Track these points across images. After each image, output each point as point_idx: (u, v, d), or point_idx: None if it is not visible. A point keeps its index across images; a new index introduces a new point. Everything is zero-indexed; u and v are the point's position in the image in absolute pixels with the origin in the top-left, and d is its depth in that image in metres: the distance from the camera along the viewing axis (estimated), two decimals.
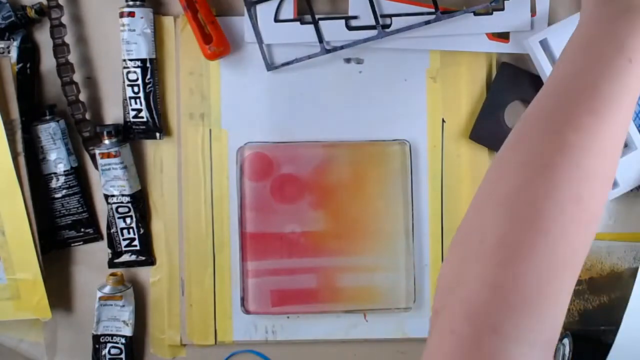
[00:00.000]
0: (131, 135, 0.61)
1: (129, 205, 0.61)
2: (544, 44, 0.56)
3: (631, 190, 0.59)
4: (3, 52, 0.58)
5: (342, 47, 0.59)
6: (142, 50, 0.58)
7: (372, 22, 0.59)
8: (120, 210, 0.61)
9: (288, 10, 0.60)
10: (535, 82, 0.59)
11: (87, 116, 0.61)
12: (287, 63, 0.60)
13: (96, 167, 0.61)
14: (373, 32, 0.59)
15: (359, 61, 0.62)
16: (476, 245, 0.36)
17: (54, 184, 0.61)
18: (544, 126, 0.37)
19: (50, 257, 0.62)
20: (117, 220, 0.62)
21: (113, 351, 0.62)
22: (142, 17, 0.58)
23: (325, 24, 0.59)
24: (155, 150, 0.62)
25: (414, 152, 0.62)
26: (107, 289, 0.62)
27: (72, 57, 0.61)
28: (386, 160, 0.62)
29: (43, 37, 0.61)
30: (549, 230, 0.34)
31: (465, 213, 0.40)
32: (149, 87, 0.59)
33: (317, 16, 0.59)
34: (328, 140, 0.62)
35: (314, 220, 0.62)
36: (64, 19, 0.60)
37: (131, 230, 0.62)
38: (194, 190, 0.62)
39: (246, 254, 0.62)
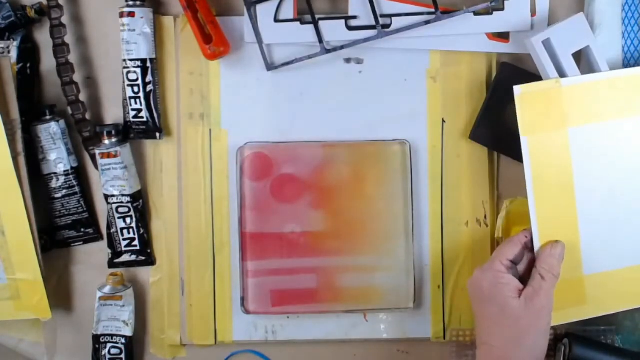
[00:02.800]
0: (131, 135, 0.61)
1: (129, 205, 0.61)
2: (546, 44, 0.56)
3: None
4: (3, 52, 0.58)
5: (342, 47, 0.59)
6: (142, 50, 0.58)
7: (372, 22, 0.59)
8: (120, 210, 0.61)
9: (288, 10, 0.60)
10: (536, 82, 0.59)
11: (87, 116, 0.61)
12: (287, 63, 0.60)
13: (96, 167, 0.61)
14: (373, 32, 0.59)
15: (359, 61, 0.62)
16: None
17: (54, 184, 0.61)
18: None
19: (50, 257, 0.62)
20: (117, 220, 0.62)
21: (113, 351, 0.62)
22: (142, 17, 0.58)
23: (325, 24, 0.59)
24: (155, 150, 0.62)
25: (414, 152, 0.62)
26: (107, 289, 0.62)
27: (72, 57, 0.61)
28: (386, 160, 0.62)
29: (43, 37, 0.61)
30: None
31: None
32: (149, 87, 0.59)
33: (317, 16, 0.59)
34: (328, 140, 0.62)
35: (314, 220, 0.62)
36: (64, 19, 0.60)
37: (131, 230, 0.62)
38: (194, 190, 0.62)
39: (246, 254, 0.62)
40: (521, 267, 0.57)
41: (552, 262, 0.55)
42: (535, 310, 0.53)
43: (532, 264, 0.57)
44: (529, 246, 0.57)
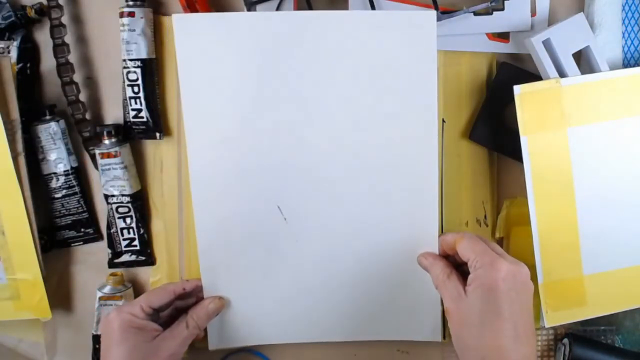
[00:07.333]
0: (131, 135, 0.61)
1: (129, 205, 0.61)
2: (546, 44, 0.56)
3: None
4: (3, 52, 0.58)
5: None
6: (142, 50, 0.58)
7: None
8: (120, 210, 0.61)
9: (288, 10, 0.60)
10: (535, 82, 0.59)
11: (87, 116, 0.62)
12: None
13: (96, 167, 0.61)
14: None
15: None
16: None
17: (54, 184, 0.61)
18: None
19: (50, 257, 0.63)
20: (117, 220, 0.62)
21: None
22: (142, 17, 0.58)
23: None
24: (155, 150, 0.62)
25: None
26: (107, 289, 0.62)
27: (72, 57, 0.61)
28: None
29: (43, 37, 0.61)
30: None
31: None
32: (149, 87, 0.59)
33: None
34: None
35: None
36: (64, 19, 0.60)
37: (131, 230, 0.62)
38: None
39: None
40: (165, 313, 0.58)
41: (203, 316, 0.57)
42: (163, 354, 0.53)
43: (179, 312, 0.58)
44: (179, 295, 0.58)
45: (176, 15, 0.55)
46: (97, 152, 0.60)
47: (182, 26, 0.54)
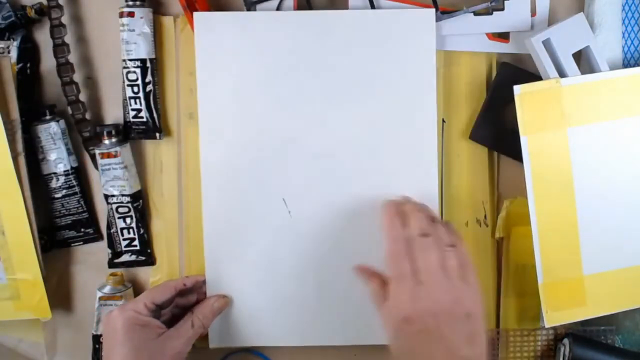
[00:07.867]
0: (131, 135, 0.61)
1: (129, 205, 0.61)
2: (546, 44, 0.56)
3: None
4: (3, 52, 0.58)
5: None
6: (142, 50, 0.58)
7: None
8: (120, 210, 0.61)
9: (288, 10, 0.60)
10: (535, 82, 0.59)
11: (87, 116, 0.62)
12: None
13: (96, 167, 0.61)
14: None
15: None
16: None
17: (54, 184, 0.61)
18: None
19: (50, 257, 0.62)
20: (117, 220, 0.62)
21: None
22: (142, 17, 0.58)
23: None
24: (155, 150, 0.62)
25: None
26: (107, 289, 0.62)
27: (72, 57, 0.61)
28: None
29: (43, 37, 0.61)
30: None
31: None
32: (149, 87, 0.59)
33: None
34: None
35: None
36: (64, 19, 0.60)
37: (131, 230, 0.62)
38: (194, 190, 0.62)
39: None
40: (166, 311, 0.58)
41: (208, 315, 0.57)
42: (169, 353, 0.53)
43: (183, 310, 0.58)
44: (180, 292, 0.58)
45: (197, 13, 0.57)
46: (97, 152, 0.60)
47: (202, 24, 0.57)
